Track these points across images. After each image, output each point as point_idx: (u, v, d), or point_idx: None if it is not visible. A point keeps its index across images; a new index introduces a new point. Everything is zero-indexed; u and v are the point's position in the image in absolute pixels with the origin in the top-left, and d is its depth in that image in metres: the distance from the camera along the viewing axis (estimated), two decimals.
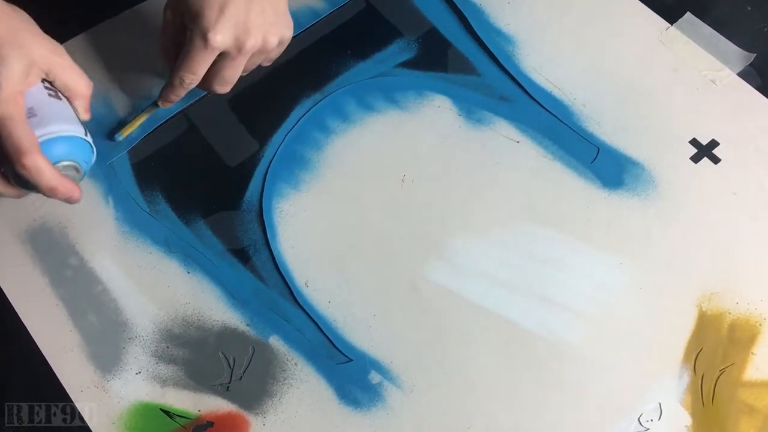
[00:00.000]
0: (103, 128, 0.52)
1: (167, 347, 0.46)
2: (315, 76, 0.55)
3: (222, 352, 0.46)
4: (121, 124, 0.51)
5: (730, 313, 0.47)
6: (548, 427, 0.44)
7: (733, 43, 0.56)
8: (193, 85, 0.48)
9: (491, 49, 0.56)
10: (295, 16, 0.56)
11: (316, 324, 0.46)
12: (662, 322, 0.46)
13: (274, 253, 0.48)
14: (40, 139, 0.40)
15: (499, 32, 0.57)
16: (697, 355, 0.45)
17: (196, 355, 0.45)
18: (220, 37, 0.44)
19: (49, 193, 0.41)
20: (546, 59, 0.56)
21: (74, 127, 0.42)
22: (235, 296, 0.47)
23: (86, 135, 0.43)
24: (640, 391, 0.45)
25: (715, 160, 0.52)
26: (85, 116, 0.45)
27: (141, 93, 0.53)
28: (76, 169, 0.42)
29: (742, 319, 0.46)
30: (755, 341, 0.46)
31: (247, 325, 0.46)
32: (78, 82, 0.44)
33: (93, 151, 0.44)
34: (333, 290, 0.47)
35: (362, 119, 0.53)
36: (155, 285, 0.47)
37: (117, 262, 0.48)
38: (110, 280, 0.47)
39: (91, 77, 0.44)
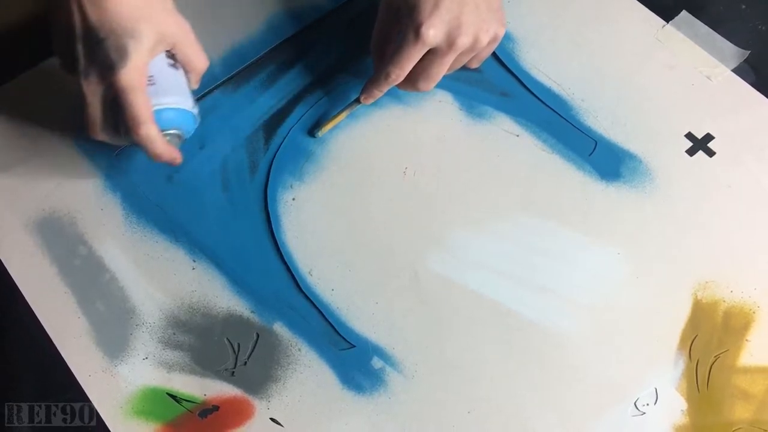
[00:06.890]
0: None
1: (173, 333, 0.47)
2: (320, 70, 0.56)
3: (227, 338, 0.46)
4: (321, 120, 0.51)
5: (724, 301, 0.48)
6: (546, 412, 0.45)
7: (728, 40, 0.57)
8: (399, 81, 0.47)
9: None
10: (300, 11, 0.58)
11: (320, 311, 0.47)
12: (658, 310, 0.47)
13: (279, 242, 0.49)
14: (154, 107, 0.44)
15: None
16: (693, 341, 0.46)
17: (202, 341, 0.46)
18: (433, 32, 0.43)
19: (154, 158, 0.45)
20: (545, 56, 0.57)
21: (185, 99, 0.46)
22: (240, 284, 0.48)
23: (194, 107, 0.47)
24: (636, 376, 0.46)
25: (710, 153, 0.53)
26: (195, 86, 0.48)
27: None
28: (179, 137, 0.47)
29: (736, 307, 0.47)
30: (749, 328, 0.47)
31: (252, 311, 0.47)
32: (198, 57, 0.46)
33: (196, 122, 0.48)
34: (336, 279, 0.48)
35: (365, 113, 0.54)
36: (162, 273, 0.48)
37: (124, 251, 0.49)
38: (118, 269, 0.48)
39: None
